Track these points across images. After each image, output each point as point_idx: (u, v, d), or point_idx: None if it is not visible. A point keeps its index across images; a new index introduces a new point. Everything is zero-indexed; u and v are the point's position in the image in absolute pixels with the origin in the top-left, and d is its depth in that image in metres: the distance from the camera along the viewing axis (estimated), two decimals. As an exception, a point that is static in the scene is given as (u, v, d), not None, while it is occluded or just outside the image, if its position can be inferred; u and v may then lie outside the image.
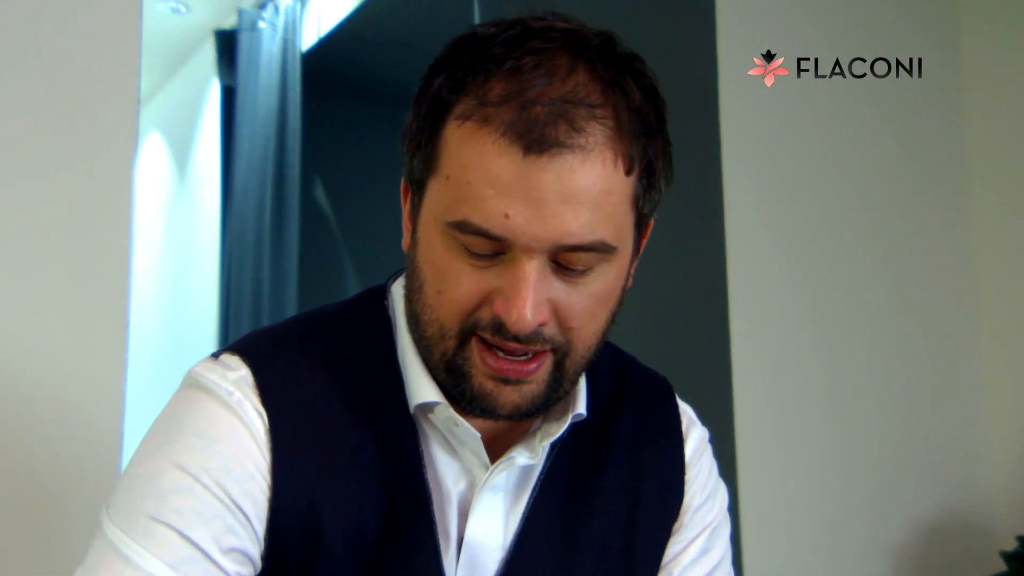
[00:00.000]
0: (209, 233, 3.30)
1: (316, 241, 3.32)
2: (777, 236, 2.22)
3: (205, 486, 0.78)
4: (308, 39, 3.10)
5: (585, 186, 0.75)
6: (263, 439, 0.81)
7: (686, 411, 1.02)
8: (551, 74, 0.76)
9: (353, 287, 3.49)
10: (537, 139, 0.74)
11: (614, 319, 0.86)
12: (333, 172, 3.46)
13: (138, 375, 1.57)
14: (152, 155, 3.73)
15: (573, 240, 0.76)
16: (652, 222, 0.87)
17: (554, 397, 0.84)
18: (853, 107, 2.32)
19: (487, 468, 0.86)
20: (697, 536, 0.97)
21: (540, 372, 0.81)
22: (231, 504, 0.79)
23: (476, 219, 0.76)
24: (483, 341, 0.80)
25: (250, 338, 0.89)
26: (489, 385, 0.81)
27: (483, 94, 0.76)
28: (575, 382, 0.87)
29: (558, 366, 0.82)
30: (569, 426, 0.89)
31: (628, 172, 0.77)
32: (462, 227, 0.77)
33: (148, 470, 0.80)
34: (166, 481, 0.78)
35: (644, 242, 0.88)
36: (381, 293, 0.92)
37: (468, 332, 0.80)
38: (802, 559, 2.18)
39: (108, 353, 1.53)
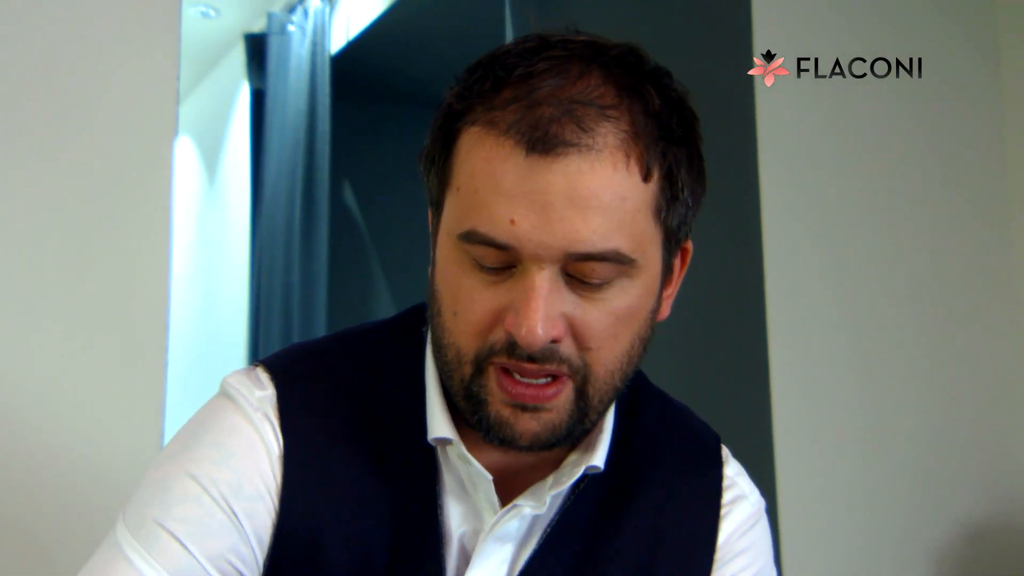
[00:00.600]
0: (239, 236, 3.31)
1: (345, 244, 3.33)
2: (813, 241, 2.20)
3: (213, 499, 0.78)
4: (337, 42, 3.10)
5: (595, 189, 0.71)
6: (277, 462, 0.80)
7: (736, 481, 0.93)
8: (562, 76, 0.72)
9: (382, 290, 3.50)
10: (541, 138, 0.70)
11: (644, 346, 0.80)
12: (362, 175, 3.46)
13: (170, 378, 1.58)
14: (182, 158, 3.75)
15: (584, 248, 0.71)
16: (690, 246, 0.82)
17: (579, 428, 0.79)
18: (891, 111, 2.30)
19: (496, 511, 0.82)
20: None
21: (560, 399, 0.76)
22: (236, 521, 0.78)
23: (483, 227, 0.72)
24: (501, 368, 0.75)
25: (286, 354, 0.88)
26: (506, 413, 0.76)
27: (491, 99, 0.73)
28: (602, 413, 0.81)
29: (580, 394, 0.77)
30: (582, 477, 0.84)
31: (646, 178, 0.73)
32: (470, 237, 0.73)
33: (162, 475, 0.80)
34: (176, 489, 0.78)
35: (683, 268, 0.83)
36: (421, 314, 0.88)
37: (484, 358, 0.76)
38: (841, 562, 2.16)
39: (148, 356, 1.54)
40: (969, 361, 2.36)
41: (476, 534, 0.83)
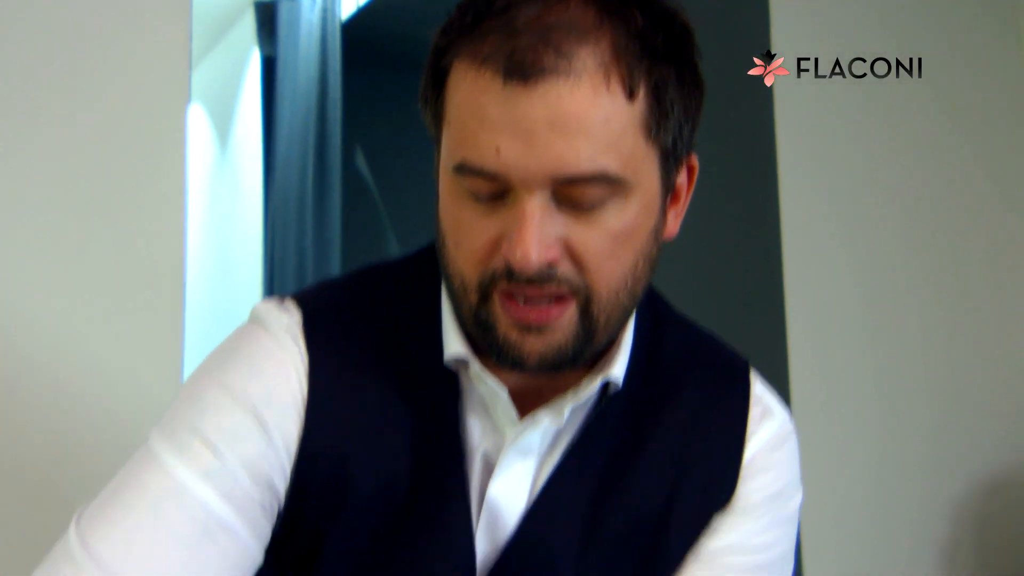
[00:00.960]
0: (252, 203, 3.31)
1: (358, 210, 3.33)
2: (829, 202, 2.20)
3: (245, 409, 0.81)
4: (347, 8, 3.09)
5: (575, 112, 0.72)
6: (304, 379, 0.83)
7: (762, 400, 0.94)
8: (542, 3, 0.73)
9: (395, 255, 3.50)
10: (518, 66, 0.71)
11: (649, 265, 0.82)
12: (374, 141, 3.46)
13: (187, 347, 1.59)
14: (193, 126, 3.75)
15: (570, 171, 0.73)
16: (695, 162, 0.84)
17: (587, 349, 0.81)
18: (911, 96, 2.29)
19: (515, 426, 0.85)
20: (742, 527, 0.90)
21: (564, 320, 0.78)
22: (266, 431, 0.81)
23: (471, 158, 0.74)
24: (504, 294, 0.78)
25: (311, 287, 0.92)
26: (513, 335, 0.79)
27: (473, 32, 0.75)
28: (612, 334, 0.83)
29: (585, 314, 0.79)
30: (603, 395, 0.87)
31: (630, 97, 0.74)
32: (461, 169, 0.75)
33: (196, 388, 0.83)
34: (210, 399, 0.81)
35: (691, 185, 0.85)
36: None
37: (487, 284, 0.78)
38: (858, 519, 2.16)
39: (165, 325, 1.55)
40: (986, 314, 2.35)
41: (499, 450, 0.86)
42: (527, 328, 0.78)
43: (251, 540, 0.80)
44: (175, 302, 1.56)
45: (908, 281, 2.27)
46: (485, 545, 0.86)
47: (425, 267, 0.91)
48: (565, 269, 0.76)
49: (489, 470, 0.87)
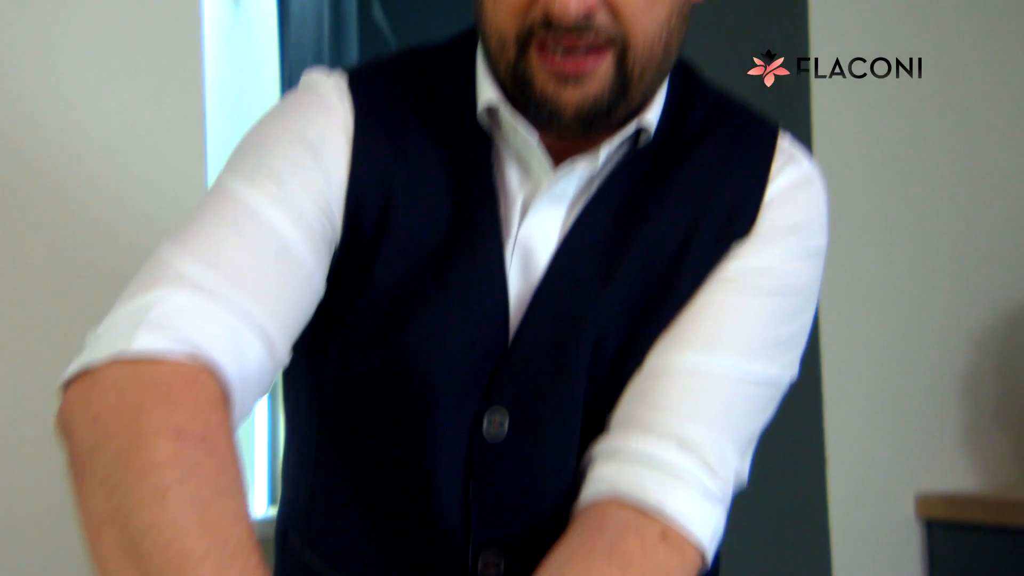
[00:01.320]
0: (267, 59, 3.27)
1: (375, 64, 3.28)
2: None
3: (303, 146, 0.89)
4: None
5: None
6: (351, 126, 0.92)
7: (788, 150, 0.98)
8: None
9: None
10: None
11: (683, 23, 0.86)
12: (392, -9, 3.38)
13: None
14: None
15: None
16: None
17: (621, 103, 0.87)
18: None
19: (549, 173, 0.91)
20: (763, 252, 0.94)
21: (601, 69, 0.84)
22: (322, 166, 0.89)
23: None
24: (541, 46, 0.83)
25: (356, 64, 1.04)
26: (551, 87, 0.85)
27: None
28: (646, 92, 0.89)
29: (620, 65, 0.84)
30: (635, 137, 0.92)
31: None
32: None
33: (254, 133, 0.93)
34: (270, 139, 0.91)
35: None
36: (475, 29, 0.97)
37: (525, 37, 0.83)
38: (877, 351, 2.18)
39: (185, 187, 1.56)
40: (1003, 134, 2.31)
41: (535, 197, 0.94)
42: (564, 79, 0.84)
43: (316, 270, 0.88)
44: (196, 163, 1.57)
45: (927, 107, 2.24)
46: (518, 283, 0.93)
47: (462, 42, 0.98)
48: (602, 19, 0.81)
49: (525, 215, 0.94)
